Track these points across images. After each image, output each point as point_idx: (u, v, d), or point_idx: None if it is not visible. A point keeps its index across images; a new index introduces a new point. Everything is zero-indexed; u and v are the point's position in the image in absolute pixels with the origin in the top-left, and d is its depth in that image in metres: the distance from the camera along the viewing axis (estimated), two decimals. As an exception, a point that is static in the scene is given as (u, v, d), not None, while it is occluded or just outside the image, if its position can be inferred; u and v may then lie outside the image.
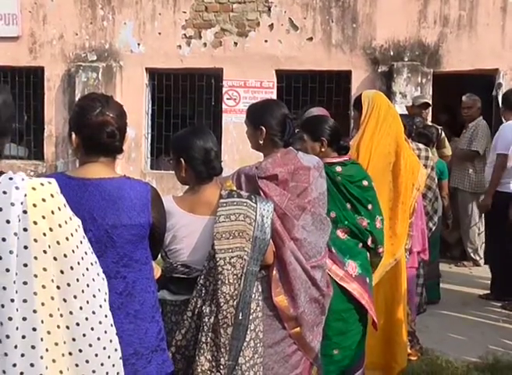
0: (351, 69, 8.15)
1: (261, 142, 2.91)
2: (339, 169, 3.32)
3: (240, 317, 2.59)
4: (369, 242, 3.35)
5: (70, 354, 1.64)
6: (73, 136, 2.31)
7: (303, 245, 2.86)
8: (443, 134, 6.89)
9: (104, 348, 1.71)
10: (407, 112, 6.65)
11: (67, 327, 1.63)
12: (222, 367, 2.56)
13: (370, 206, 3.35)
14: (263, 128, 2.90)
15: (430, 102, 6.96)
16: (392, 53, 8.06)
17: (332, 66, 8.19)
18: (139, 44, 8.64)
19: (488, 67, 7.86)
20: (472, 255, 7.42)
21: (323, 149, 3.34)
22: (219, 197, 2.67)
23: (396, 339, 4.02)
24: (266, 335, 2.78)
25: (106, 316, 1.73)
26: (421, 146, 5.43)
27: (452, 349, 4.82)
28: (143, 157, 8.76)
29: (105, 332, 1.71)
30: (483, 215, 7.27)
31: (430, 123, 6.68)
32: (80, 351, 1.65)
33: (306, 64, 8.20)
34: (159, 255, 2.64)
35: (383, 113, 3.88)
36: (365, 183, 3.36)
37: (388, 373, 4.00)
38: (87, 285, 1.67)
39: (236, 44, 8.38)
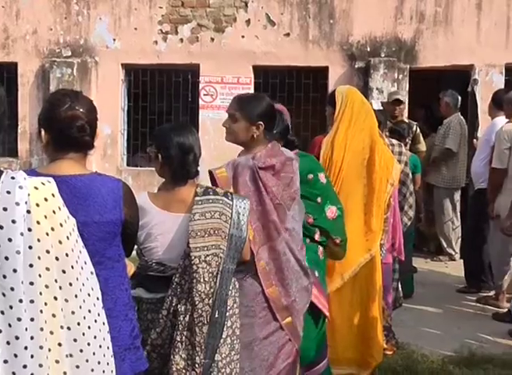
0: (328, 65, 8.16)
1: (256, 136, 2.93)
2: None
3: (216, 315, 2.58)
4: (316, 237, 3.27)
5: (71, 355, 1.63)
6: (42, 132, 2.28)
7: (292, 235, 2.91)
8: (418, 130, 6.94)
9: (100, 347, 1.71)
10: (382, 108, 6.67)
11: (68, 328, 1.62)
12: (197, 366, 2.55)
13: (319, 199, 3.27)
14: (261, 123, 2.92)
15: (402, 99, 6.99)
16: (368, 49, 8.09)
17: (309, 62, 8.20)
18: (114, 40, 8.56)
19: (463, 63, 7.94)
20: (447, 249, 7.49)
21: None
22: (195, 194, 2.64)
23: (372, 334, 4.04)
24: (261, 327, 2.81)
25: (99, 315, 1.73)
26: (395, 142, 5.46)
27: (427, 343, 4.85)
28: (119, 154, 8.69)
29: (100, 330, 1.71)
30: (458, 209, 7.36)
31: (405, 119, 6.72)
32: (81, 351, 1.65)
33: (283, 60, 8.19)
34: (134, 253, 2.62)
35: (357, 109, 3.88)
36: (310, 176, 3.26)
37: (364, 368, 4.00)
38: (83, 284, 1.67)
39: (212, 39, 8.34)
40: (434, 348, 4.75)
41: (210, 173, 2.90)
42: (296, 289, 2.91)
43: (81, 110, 2.26)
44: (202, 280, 2.55)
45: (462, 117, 7.35)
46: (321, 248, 3.35)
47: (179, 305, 2.55)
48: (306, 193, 3.20)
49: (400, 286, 5.52)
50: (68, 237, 1.65)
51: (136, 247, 2.63)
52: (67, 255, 1.64)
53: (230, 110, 2.99)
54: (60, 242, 1.62)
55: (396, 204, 4.97)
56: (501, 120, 6.04)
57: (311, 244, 3.30)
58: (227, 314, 2.64)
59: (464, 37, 7.92)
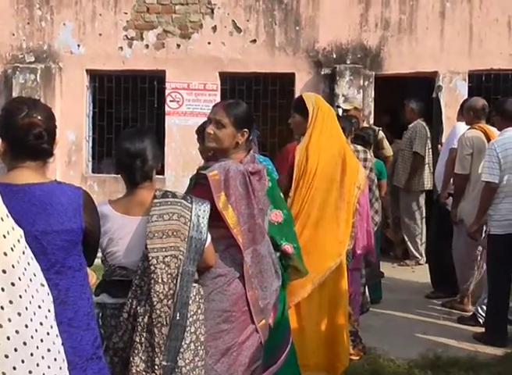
0: (295, 72, 8.19)
1: (240, 143, 2.98)
2: None
3: (178, 317, 2.58)
4: None
5: (30, 372, 1.59)
6: (0, 140, 2.26)
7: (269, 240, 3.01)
8: (382, 135, 7.02)
9: (55, 360, 1.68)
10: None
11: (24, 343, 1.59)
12: (157, 368, 2.55)
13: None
14: (246, 130, 2.98)
15: (346, 107, 7.07)
16: (334, 56, 8.14)
17: (275, 69, 8.21)
18: (79, 46, 8.47)
19: (428, 70, 8.03)
20: (414, 253, 7.56)
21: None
22: (153, 197, 2.66)
23: (339, 339, 4.08)
24: (240, 331, 2.86)
25: (52, 327, 1.70)
26: (359, 148, 5.52)
27: (394, 348, 4.87)
28: (84, 160, 8.58)
29: (53, 343, 1.68)
30: (424, 214, 7.45)
31: (367, 125, 6.79)
32: (38, 365, 1.62)
33: (250, 66, 8.20)
34: (98, 261, 2.62)
35: (326, 116, 3.94)
36: None
37: (332, 373, 4.03)
38: (32, 296, 1.64)
39: (178, 46, 8.31)
40: (400, 352, 4.77)
41: (200, 174, 2.92)
42: (270, 292, 2.98)
43: (39, 118, 2.25)
44: (160, 281, 2.55)
45: (425, 123, 7.46)
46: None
47: (138, 307, 2.56)
48: None
49: (367, 291, 5.56)
50: (12, 249, 1.60)
51: (100, 254, 2.64)
52: (13, 266, 1.59)
53: (217, 116, 2.99)
54: (5, 254, 1.58)
55: (368, 209, 5.02)
56: (462, 126, 6.14)
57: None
58: (191, 319, 2.65)
59: (428, 44, 8.02)
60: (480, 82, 7.98)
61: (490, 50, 7.92)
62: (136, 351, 2.54)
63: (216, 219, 2.80)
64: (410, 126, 7.46)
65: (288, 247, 3.20)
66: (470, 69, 7.98)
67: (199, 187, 2.89)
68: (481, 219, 5.22)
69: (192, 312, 2.66)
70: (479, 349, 4.95)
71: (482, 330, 5.21)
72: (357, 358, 4.57)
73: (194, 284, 2.72)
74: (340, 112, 6.93)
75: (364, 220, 4.89)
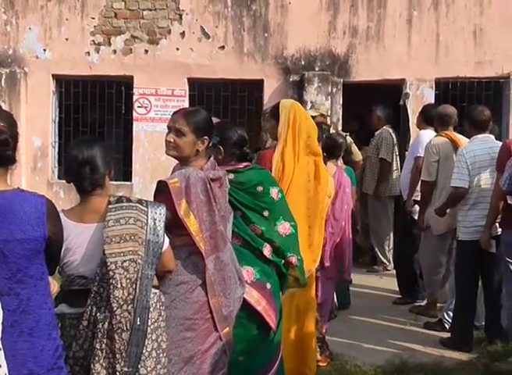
0: (263, 78, 8.19)
1: (200, 151, 2.99)
2: (230, 177, 3.27)
3: (138, 322, 2.56)
4: (266, 252, 3.27)
5: None
6: None
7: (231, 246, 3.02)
8: (350, 140, 7.07)
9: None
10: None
11: None
12: (118, 374, 2.53)
13: (266, 213, 3.31)
14: (206, 138, 3.00)
15: (314, 114, 7.09)
16: (303, 63, 8.18)
17: (244, 75, 8.21)
18: (45, 50, 8.35)
19: (395, 77, 8.10)
20: (382, 260, 7.61)
21: (220, 156, 3.33)
22: (108, 203, 2.65)
23: (307, 346, 4.12)
24: (203, 339, 2.86)
25: None
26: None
27: (361, 354, 4.89)
28: (50, 166, 8.46)
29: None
30: (392, 220, 7.51)
31: (335, 131, 6.82)
32: None
33: (218, 72, 8.18)
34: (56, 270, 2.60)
35: (302, 124, 3.95)
36: (260, 188, 3.31)
37: (301, 380, 4.04)
38: None
39: (146, 51, 8.25)
40: (367, 358, 4.78)
41: (161, 182, 2.90)
42: (233, 299, 2.98)
43: (2, 124, 2.23)
44: (119, 286, 2.54)
45: (392, 129, 7.53)
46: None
47: (98, 314, 2.54)
48: (252, 204, 3.27)
49: (335, 297, 5.58)
50: None
51: (57, 263, 2.61)
52: None
53: (177, 124, 3.00)
54: None
55: (348, 226, 5.05)
56: (426, 133, 6.22)
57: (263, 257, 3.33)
58: (152, 327, 2.63)
59: (395, 52, 8.10)
60: (447, 89, 8.08)
61: (456, 58, 8.03)
62: (96, 359, 2.52)
63: (178, 227, 2.80)
64: (377, 132, 7.54)
65: (293, 258, 3.36)
66: (437, 76, 8.07)
67: (161, 195, 2.87)
68: (425, 212, 5.61)
69: (153, 320, 2.65)
70: (445, 354, 4.99)
71: (449, 335, 5.25)
72: (325, 364, 4.58)
73: (155, 291, 2.71)
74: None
75: (335, 235, 4.91)
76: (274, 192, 3.36)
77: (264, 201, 3.31)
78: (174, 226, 2.74)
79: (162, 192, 2.87)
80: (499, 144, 5.02)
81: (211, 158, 3.07)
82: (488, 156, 5.00)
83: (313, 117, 6.75)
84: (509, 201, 4.50)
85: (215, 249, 2.91)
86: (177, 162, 3.19)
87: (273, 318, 3.31)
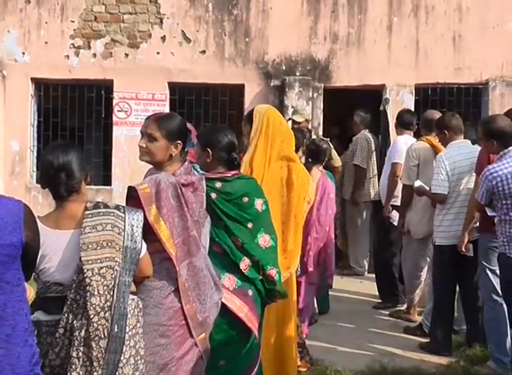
0: (244, 83, 8.19)
1: (174, 155, 2.99)
2: (218, 185, 3.27)
3: (116, 330, 2.54)
4: (242, 266, 3.25)
5: None
6: None
7: (206, 252, 3.00)
8: (331, 146, 7.08)
9: None
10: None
11: None
12: None
13: (250, 225, 3.29)
14: (179, 143, 3.00)
15: (297, 119, 7.14)
16: (284, 68, 8.19)
17: (225, 80, 8.20)
18: (24, 53, 8.27)
19: (375, 83, 8.15)
20: (360, 264, 7.63)
21: (208, 160, 3.33)
22: (84, 209, 2.62)
23: (288, 352, 4.10)
24: (178, 346, 2.83)
25: None
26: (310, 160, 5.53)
27: (341, 359, 4.89)
28: (28, 171, 8.37)
29: None
30: (369, 225, 7.54)
31: (316, 137, 6.85)
32: None
33: (199, 77, 8.16)
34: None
35: (276, 129, 3.93)
36: (245, 199, 3.30)
37: (280, 386, 4.02)
38: None
39: (127, 55, 8.21)
40: (347, 363, 4.78)
41: (131, 188, 2.88)
42: (209, 305, 2.95)
43: None
44: (96, 293, 2.52)
45: (370, 134, 7.59)
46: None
47: (75, 321, 2.51)
48: (236, 215, 3.26)
49: (315, 302, 5.58)
50: None
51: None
52: None
53: (148, 130, 2.99)
54: None
55: (331, 231, 5.05)
56: (402, 139, 6.28)
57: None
58: (130, 333, 2.61)
59: (375, 57, 8.14)
60: (426, 95, 8.15)
61: (436, 64, 8.10)
62: (73, 367, 2.49)
63: (150, 233, 2.78)
64: (354, 138, 7.61)
65: (273, 271, 3.33)
66: (416, 82, 8.13)
67: (131, 200, 2.85)
68: (405, 216, 5.70)
69: (131, 326, 2.63)
70: (425, 359, 5.01)
71: (428, 339, 5.27)
72: (305, 369, 4.58)
73: (133, 297, 2.69)
74: (290, 124, 6.97)
75: (320, 239, 4.91)
76: (259, 203, 3.35)
77: (248, 213, 3.30)
78: (146, 232, 2.72)
79: (132, 198, 2.84)
80: (477, 148, 5.07)
81: (186, 163, 3.06)
82: (467, 161, 5.04)
83: (298, 123, 6.81)
84: (489, 214, 4.54)
85: (188, 255, 2.89)
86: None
87: (255, 324, 3.31)
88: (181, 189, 2.90)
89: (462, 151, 5.14)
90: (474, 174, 4.93)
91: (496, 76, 8.09)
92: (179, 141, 3.00)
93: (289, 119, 7.00)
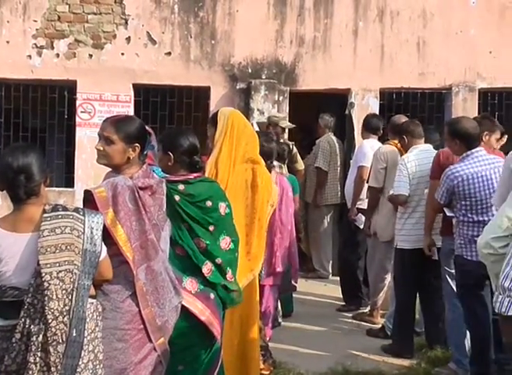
0: (210, 85, 8.16)
1: (132, 158, 2.96)
2: (181, 187, 3.25)
3: (74, 334, 2.50)
4: (205, 270, 3.23)
5: None
6: None
7: (166, 256, 2.97)
8: (295, 149, 7.11)
9: None
10: (258, 129, 6.79)
11: None
12: None
13: (212, 228, 3.29)
14: (137, 145, 2.96)
15: (288, 125, 7.19)
16: (250, 70, 8.18)
17: (190, 82, 8.15)
18: (-16, 53, 8.12)
19: (341, 87, 8.19)
20: (325, 267, 7.64)
21: (169, 163, 3.31)
22: (43, 212, 2.57)
23: (251, 354, 4.10)
24: (136, 350, 2.81)
25: None
26: (275, 163, 5.52)
27: (304, 361, 4.89)
28: (-12, 172, 8.19)
29: None
30: (331, 229, 7.57)
31: (281, 140, 6.85)
32: None
33: (164, 79, 8.10)
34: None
35: (240, 132, 3.94)
36: (209, 203, 3.29)
37: (242, 389, 4.00)
38: None
39: (91, 56, 8.09)
40: (310, 365, 4.78)
41: (87, 192, 2.85)
42: (168, 309, 2.93)
43: None
44: (55, 297, 2.48)
45: (334, 137, 7.63)
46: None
47: (32, 326, 2.47)
48: (199, 218, 3.24)
49: (279, 305, 5.56)
50: None
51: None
52: None
53: (105, 132, 2.97)
54: None
55: (293, 229, 5.04)
56: (368, 143, 6.34)
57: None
58: (88, 337, 2.58)
59: (341, 61, 8.18)
60: (391, 100, 8.22)
61: (401, 69, 8.18)
62: (30, 372, 2.45)
63: (109, 236, 2.76)
64: (317, 141, 7.66)
65: (231, 275, 3.35)
66: (381, 86, 8.19)
67: (88, 204, 2.81)
68: (372, 218, 5.76)
69: (90, 330, 2.60)
70: (387, 361, 5.05)
71: (391, 341, 5.29)
72: (268, 373, 4.55)
73: (92, 300, 2.65)
74: (256, 127, 6.98)
75: (284, 239, 4.90)
76: (222, 207, 3.35)
77: (211, 216, 3.29)
78: (104, 235, 2.69)
79: (89, 202, 2.81)
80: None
81: (145, 166, 3.03)
82: (428, 166, 5.10)
83: (283, 129, 6.89)
84: (448, 214, 4.59)
85: (146, 258, 2.86)
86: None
87: (217, 328, 3.30)
88: (138, 192, 2.88)
89: (423, 155, 5.21)
90: None
91: (459, 82, 8.21)
92: (137, 144, 2.97)
93: (276, 124, 7.04)
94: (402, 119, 6.05)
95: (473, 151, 4.47)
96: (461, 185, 4.38)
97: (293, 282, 5.56)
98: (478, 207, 4.37)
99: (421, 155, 5.21)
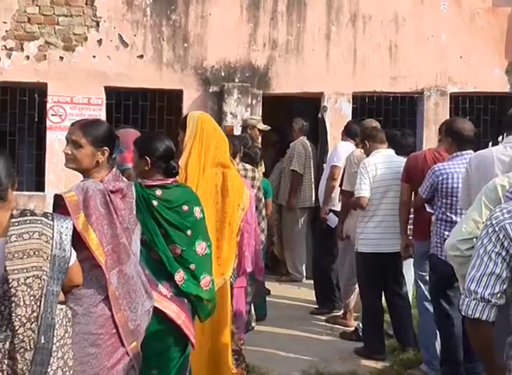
0: (182, 89, 8.13)
1: (101, 162, 2.95)
2: (158, 192, 3.25)
3: (43, 341, 2.45)
4: (177, 278, 3.22)
5: None
6: None
7: (137, 259, 2.97)
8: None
9: None
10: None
11: None
12: None
13: (189, 232, 3.29)
14: (106, 149, 2.96)
15: (261, 127, 7.19)
16: (223, 74, 8.16)
17: (163, 85, 8.11)
18: (-48, 54, 7.97)
19: (314, 90, 8.21)
20: (299, 270, 7.64)
21: (146, 168, 3.30)
22: (10, 217, 2.50)
23: (223, 359, 4.06)
24: (109, 355, 2.79)
25: None
26: (248, 166, 5.53)
27: (278, 365, 4.87)
28: (-44, 176, 8.04)
29: None
30: (305, 232, 7.58)
31: (254, 143, 6.85)
32: None
33: (136, 82, 8.04)
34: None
35: (209, 134, 3.91)
36: (185, 207, 3.30)
37: (214, 394, 3.97)
38: None
39: (61, 58, 8.00)
40: (283, 369, 4.78)
41: (57, 196, 2.81)
42: (140, 313, 2.91)
43: None
44: (22, 304, 2.42)
45: (307, 141, 7.64)
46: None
47: None
48: (177, 223, 3.24)
49: (252, 309, 5.54)
50: None
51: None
52: None
53: (73, 136, 2.94)
54: None
55: (257, 227, 5.01)
56: (344, 144, 6.37)
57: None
58: (58, 344, 2.53)
59: (314, 65, 8.20)
60: (363, 103, 8.26)
61: (373, 73, 8.23)
62: None
63: (80, 240, 2.73)
64: (291, 144, 7.66)
65: (207, 279, 3.33)
66: (354, 90, 8.24)
67: (59, 209, 2.77)
68: (344, 221, 5.77)
69: (59, 337, 2.55)
70: (360, 363, 5.04)
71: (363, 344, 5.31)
72: (240, 377, 4.51)
73: (61, 306, 2.60)
74: (234, 130, 7.00)
75: (252, 238, 4.87)
76: (197, 211, 3.36)
77: (188, 221, 3.30)
78: (75, 239, 2.66)
79: (60, 206, 2.78)
80: (402, 159, 5.16)
81: (114, 169, 3.02)
82: (389, 170, 5.15)
83: (263, 131, 6.87)
84: (427, 210, 4.64)
85: (117, 262, 2.84)
86: None
87: (192, 331, 3.29)
88: (109, 196, 2.86)
89: (384, 159, 5.24)
90: (397, 183, 5.03)
91: (431, 86, 8.28)
92: (106, 148, 2.95)
93: (254, 127, 7.04)
94: (373, 123, 6.07)
95: (463, 152, 4.51)
96: (445, 182, 4.45)
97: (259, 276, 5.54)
98: (458, 207, 4.42)
99: (381, 159, 5.24)
